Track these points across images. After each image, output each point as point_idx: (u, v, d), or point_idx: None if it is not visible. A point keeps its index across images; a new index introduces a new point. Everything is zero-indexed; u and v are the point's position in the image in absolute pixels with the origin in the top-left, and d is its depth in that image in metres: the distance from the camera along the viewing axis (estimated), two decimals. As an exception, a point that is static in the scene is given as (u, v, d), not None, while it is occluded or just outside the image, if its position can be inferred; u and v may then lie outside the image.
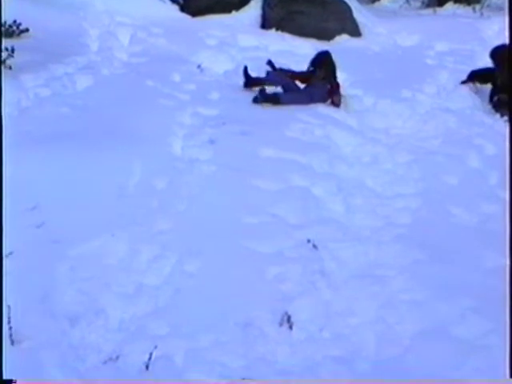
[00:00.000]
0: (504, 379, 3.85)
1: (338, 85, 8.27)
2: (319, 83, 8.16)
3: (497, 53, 8.87)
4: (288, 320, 4.26)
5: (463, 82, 9.10)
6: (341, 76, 8.54)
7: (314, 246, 5.05)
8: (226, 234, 5.05)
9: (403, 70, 10.04)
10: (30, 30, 8.64)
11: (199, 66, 9.40)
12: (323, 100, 8.04)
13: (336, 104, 8.05)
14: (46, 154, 5.70)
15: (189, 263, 4.69)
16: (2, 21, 7.13)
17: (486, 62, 9.17)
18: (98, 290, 4.38)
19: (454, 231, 5.52)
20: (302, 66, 8.66)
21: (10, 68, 7.05)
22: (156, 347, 3.91)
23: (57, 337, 3.98)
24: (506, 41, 9.10)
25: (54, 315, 4.12)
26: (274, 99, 7.96)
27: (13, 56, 7.29)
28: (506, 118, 8.17)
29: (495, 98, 8.54)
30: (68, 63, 8.24)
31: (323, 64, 8.40)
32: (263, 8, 12.29)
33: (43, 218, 4.92)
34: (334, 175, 6.35)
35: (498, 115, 8.28)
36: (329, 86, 8.13)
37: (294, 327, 4.23)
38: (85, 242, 4.76)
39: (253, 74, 9.05)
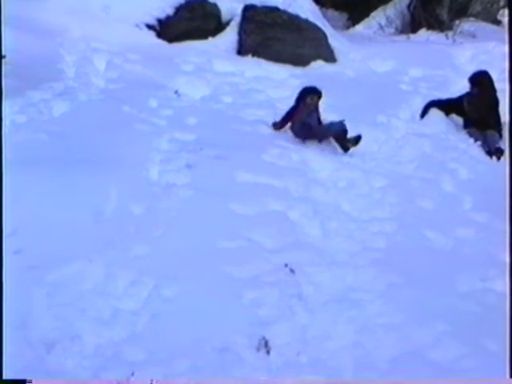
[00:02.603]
0: (504, 379, 3.89)
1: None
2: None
3: (477, 78, 8.98)
4: (265, 345, 4.26)
5: (422, 116, 9.20)
6: (316, 101, 8.61)
7: (291, 271, 5.07)
8: (203, 259, 5.05)
9: (378, 95, 10.12)
10: (7, 56, 8.60)
11: (176, 92, 9.42)
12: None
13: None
14: (22, 179, 5.66)
15: (166, 288, 4.68)
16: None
17: (460, 87, 9.30)
18: (75, 315, 4.36)
19: (430, 255, 5.55)
20: (278, 91, 8.71)
21: (-15, 94, 7.03)
22: (133, 374, 3.90)
23: (33, 364, 3.96)
24: (478, 67, 9.33)
25: (31, 342, 4.11)
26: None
27: (-12, 82, 7.27)
28: (479, 142, 8.28)
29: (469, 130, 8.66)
30: (45, 89, 8.22)
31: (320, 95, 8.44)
32: (239, 34, 12.37)
33: (20, 244, 4.89)
34: (311, 199, 6.38)
35: (471, 140, 8.38)
36: None
37: (271, 352, 4.24)
38: (62, 267, 4.73)
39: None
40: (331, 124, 8.04)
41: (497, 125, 8.58)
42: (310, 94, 8.33)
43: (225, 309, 4.57)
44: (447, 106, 8.99)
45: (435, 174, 7.23)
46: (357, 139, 7.79)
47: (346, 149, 7.78)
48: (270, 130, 8.08)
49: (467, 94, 8.94)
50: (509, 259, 4.63)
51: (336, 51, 12.64)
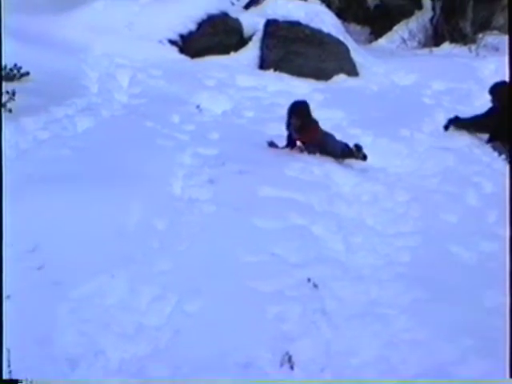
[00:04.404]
0: (504, 379, 3.84)
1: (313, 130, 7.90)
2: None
3: (497, 89, 8.93)
4: (289, 360, 4.24)
5: (446, 128, 9.10)
6: (339, 115, 8.58)
7: (315, 285, 5.04)
8: (226, 274, 5.04)
9: (401, 109, 10.10)
10: (31, 73, 8.68)
11: (198, 107, 9.46)
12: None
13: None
14: (45, 195, 5.70)
15: (189, 303, 4.68)
16: (3, 64, 7.16)
17: (484, 101, 9.23)
18: (98, 331, 4.36)
19: (454, 270, 5.51)
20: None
21: (10, 111, 7.08)
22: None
23: (57, 380, 3.96)
24: (504, 79, 9.24)
25: (54, 358, 4.11)
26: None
27: (14, 99, 7.33)
28: (503, 156, 8.22)
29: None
30: (68, 105, 8.28)
31: (299, 113, 7.86)
32: (261, 49, 12.40)
33: (43, 260, 4.90)
34: (334, 214, 6.36)
35: (495, 154, 8.32)
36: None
37: (294, 367, 4.21)
38: (85, 282, 4.74)
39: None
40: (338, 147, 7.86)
41: None
42: (290, 116, 7.88)
43: (248, 323, 4.55)
44: (472, 124, 8.90)
45: (459, 188, 7.18)
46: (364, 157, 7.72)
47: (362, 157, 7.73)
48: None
49: (492, 110, 8.87)
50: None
51: (358, 65, 12.64)
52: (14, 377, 3.85)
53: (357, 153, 7.70)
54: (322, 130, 7.91)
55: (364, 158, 7.66)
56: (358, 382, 4.08)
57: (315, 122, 7.91)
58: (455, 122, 9.00)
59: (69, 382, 3.95)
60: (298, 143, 7.97)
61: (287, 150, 7.90)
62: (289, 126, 7.91)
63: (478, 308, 4.86)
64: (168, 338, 4.38)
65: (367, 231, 6.14)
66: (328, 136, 7.87)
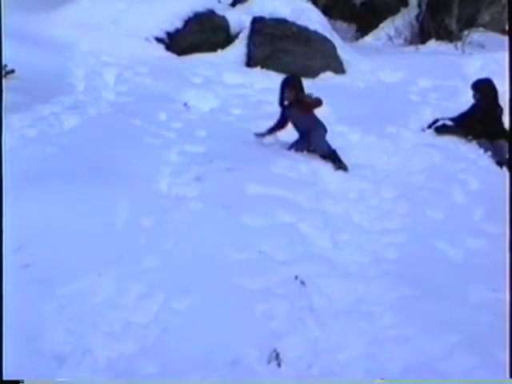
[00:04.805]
0: (504, 379, 3.87)
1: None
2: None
3: (480, 85, 8.98)
4: (276, 357, 4.25)
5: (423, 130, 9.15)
6: (326, 112, 8.57)
7: (302, 283, 5.05)
8: (214, 271, 5.04)
9: (387, 106, 10.14)
10: (16, 70, 8.65)
11: (185, 104, 9.46)
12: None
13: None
14: (32, 193, 5.68)
15: (176, 301, 4.68)
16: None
17: (469, 98, 9.27)
18: (86, 329, 4.35)
19: (441, 266, 5.53)
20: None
21: (-5, 109, 7.07)
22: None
23: (45, 378, 3.95)
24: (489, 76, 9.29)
25: (42, 355, 4.10)
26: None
27: (-1, 97, 7.30)
28: (489, 153, 8.26)
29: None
30: (54, 103, 8.26)
31: (292, 85, 7.94)
32: (248, 46, 12.43)
33: (30, 258, 4.89)
34: (321, 211, 6.37)
35: (481, 150, 8.36)
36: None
37: (282, 364, 4.22)
38: (72, 280, 4.73)
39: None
40: (323, 144, 7.84)
41: (503, 133, 8.56)
42: (283, 90, 7.95)
43: (236, 321, 4.55)
44: (457, 130, 8.91)
45: (445, 185, 7.21)
46: (345, 169, 7.60)
47: (336, 167, 7.61)
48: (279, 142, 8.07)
49: (474, 107, 8.93)
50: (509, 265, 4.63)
51: (345, 62, 12.69)
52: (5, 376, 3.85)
53: (336, 164, 7.64)
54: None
55: (345, 169, 7.57)
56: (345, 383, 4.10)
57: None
58: (439, 129, 9.02)
59: (58, 382, 3.95)
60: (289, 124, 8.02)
61: (276, 132, 8.05)
62: (282, 101, 7.95)
63: (464, 304, 4.88)
64: (155, 336, 4.38)
65: (354, 228, 6.16)
66: (320, 124, 7.87)
